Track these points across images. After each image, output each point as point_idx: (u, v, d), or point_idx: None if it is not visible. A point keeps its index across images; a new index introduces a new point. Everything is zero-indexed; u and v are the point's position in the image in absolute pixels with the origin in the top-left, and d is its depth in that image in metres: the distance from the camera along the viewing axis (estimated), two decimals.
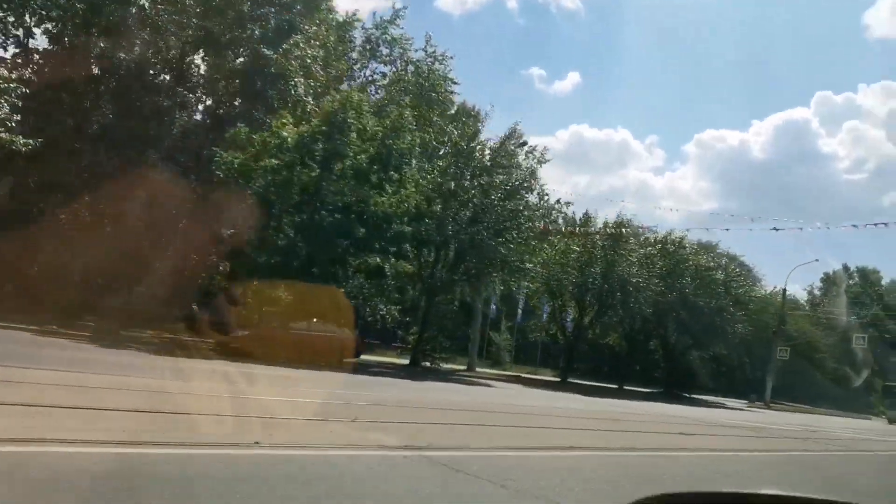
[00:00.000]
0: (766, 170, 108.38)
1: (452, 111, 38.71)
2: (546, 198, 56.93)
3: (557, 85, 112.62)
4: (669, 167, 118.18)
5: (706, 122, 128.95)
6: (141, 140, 27.24)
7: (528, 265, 35.65)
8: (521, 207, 27.74)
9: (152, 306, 28.08)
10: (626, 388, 39.12)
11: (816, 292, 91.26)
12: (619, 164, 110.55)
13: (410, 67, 37.23)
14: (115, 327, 23.95)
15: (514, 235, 27.76)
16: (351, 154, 23.81)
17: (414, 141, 26.45)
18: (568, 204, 51.88)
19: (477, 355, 45.89)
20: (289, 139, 23.09)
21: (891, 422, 37.99)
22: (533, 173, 60.95)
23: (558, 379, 35.60)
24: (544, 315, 38.28)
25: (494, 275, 27.89)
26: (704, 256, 39.64)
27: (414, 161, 26.47)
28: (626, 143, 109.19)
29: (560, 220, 40.38)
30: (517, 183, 28.24)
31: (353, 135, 24.02)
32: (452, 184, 26.34)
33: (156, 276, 29.45)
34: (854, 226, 27.77)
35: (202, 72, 32.18)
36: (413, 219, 25.26)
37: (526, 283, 36.21)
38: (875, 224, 25.52)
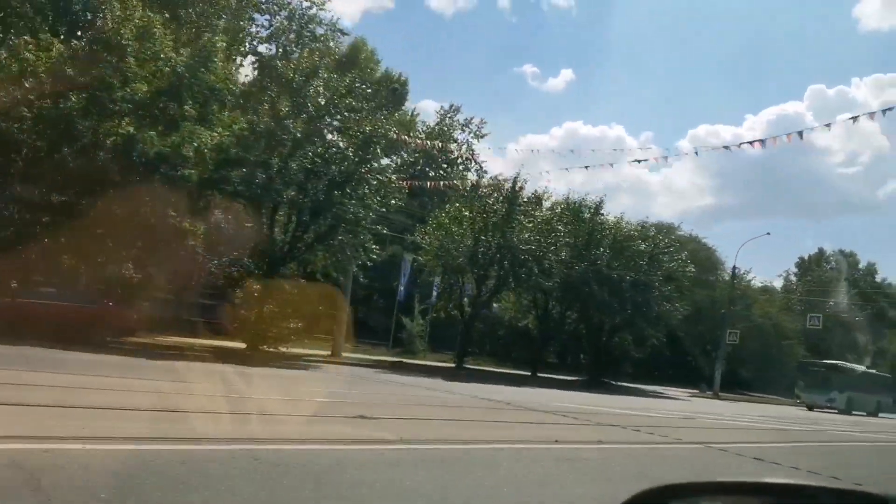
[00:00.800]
0: (761, 164, 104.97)
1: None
2: (485, 174, 52.63)
3: (551, 82, 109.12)
4: (664, 163, 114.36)
5: (700, 117, 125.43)
6: None
7: (421, 237, 31.19)
8: (370, 156, 22.98)
9: None
10: (540, 375, 34.50)
11: (793, 278, 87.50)
12: (613, 160, 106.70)
13: (284, 13, 32.53)
14: None
15: (366, 191, 23.10)
16: (131, 83, 19.18)
17: (230, 75, 21.83)
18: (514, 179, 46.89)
19: (390, 340, 41.22)
20: (37, 62, 18.40)
21: (810, 408, 32.78)
22: (469, 148, 56.63)
23: (453, 365, 30.85)
24: (451, 292, 33.14)
25: (340, 237, 23.12)
26: (626, 226, 34.88)
27: (230, 99, 21.87)
28: (620, 139, 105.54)
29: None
30: (369, 130, 23.42)
31: (132, 60, 19.35)
32: (273, 124, 21.52)
33: None
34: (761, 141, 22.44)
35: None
36: (219, 166, 20.63)
37: (413, 256, 31.64)
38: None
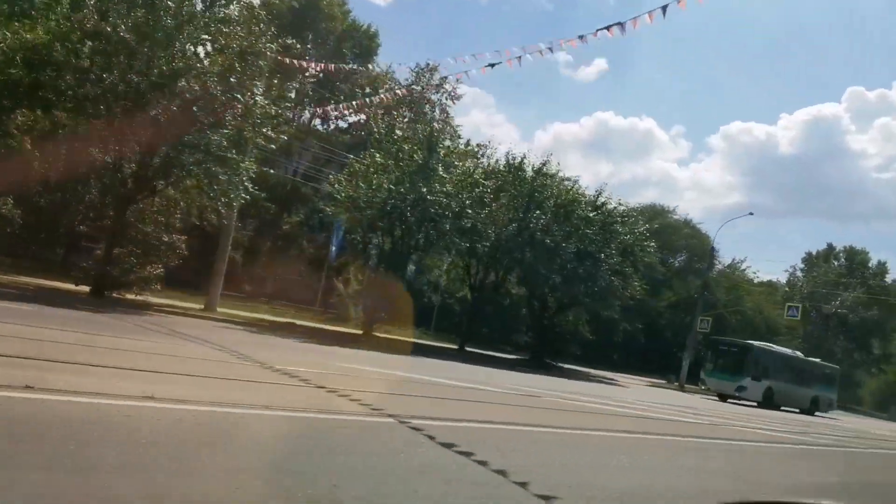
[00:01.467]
0: (794, 165, 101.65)
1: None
2: (458, 140, 48.88)
3: (583, 71, 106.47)
4: (694, 158, 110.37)
5: (733, 113, 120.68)
6: None
7: (331, 186, 27.85)
8: (235, 78, 19.51)
9: None
10: (472, 350, 31.14)
11: (799, 273, 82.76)
12: (642, 153, 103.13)
13: None
14: None
15: (228, 118, 19.73)
16: None
17: None
18: (480, 146, 42.86)
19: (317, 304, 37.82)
20: None
21: (723, 398, 27.72)
22: (444, 112, 52.87)
23: (360, 332, 27.57)
24: (366, 251, 29.70)
25: (192, 168, 19.82)
26: (574, 189, 31.07)
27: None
28: (650, 132, 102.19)
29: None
30: (237, 46, 19.95)
31: None
32: (103, 24, 18.09)
33: None
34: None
35: None
36: (33, 69, 17.42)
37: (324, 207, 28.32)
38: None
